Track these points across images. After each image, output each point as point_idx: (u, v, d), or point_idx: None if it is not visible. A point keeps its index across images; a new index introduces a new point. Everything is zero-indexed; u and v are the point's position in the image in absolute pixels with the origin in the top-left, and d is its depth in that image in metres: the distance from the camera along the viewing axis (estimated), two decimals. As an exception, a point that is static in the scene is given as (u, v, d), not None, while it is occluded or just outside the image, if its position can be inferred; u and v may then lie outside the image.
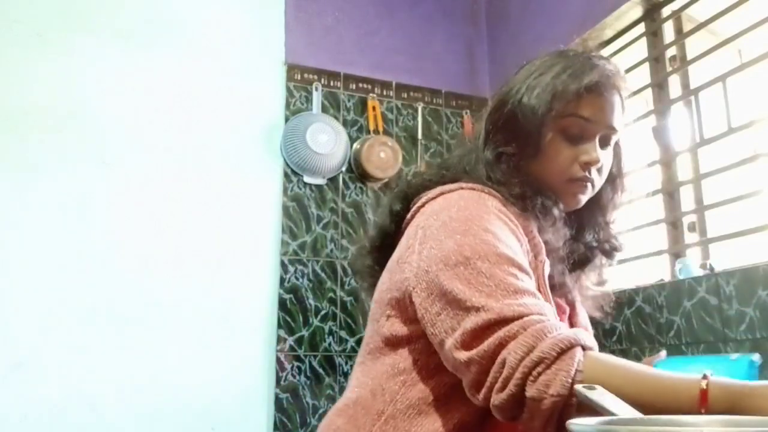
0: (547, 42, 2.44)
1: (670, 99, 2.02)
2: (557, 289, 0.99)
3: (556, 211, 0.96)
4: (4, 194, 2.04)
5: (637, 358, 1.82)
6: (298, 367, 2.25)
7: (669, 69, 2.05)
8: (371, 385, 0.92)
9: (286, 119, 2.44)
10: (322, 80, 2.52)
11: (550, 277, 0.95)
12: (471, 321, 0.77)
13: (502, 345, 0.74)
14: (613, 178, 1.10)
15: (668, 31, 2.08)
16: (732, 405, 0.68)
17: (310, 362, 2.27)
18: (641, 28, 2.15)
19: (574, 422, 0.54)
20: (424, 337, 0.87)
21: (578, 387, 0.70)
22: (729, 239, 1.74)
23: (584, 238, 1.08)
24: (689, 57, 1.99)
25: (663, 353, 0.90)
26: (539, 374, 0.71)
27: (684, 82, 2.00)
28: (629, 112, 1.06)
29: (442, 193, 0.94)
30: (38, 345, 1.98)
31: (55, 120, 2.14)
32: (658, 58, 2.09)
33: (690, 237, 1.90)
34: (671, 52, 2.06)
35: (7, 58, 2.12)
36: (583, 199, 1.01)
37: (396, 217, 1.00)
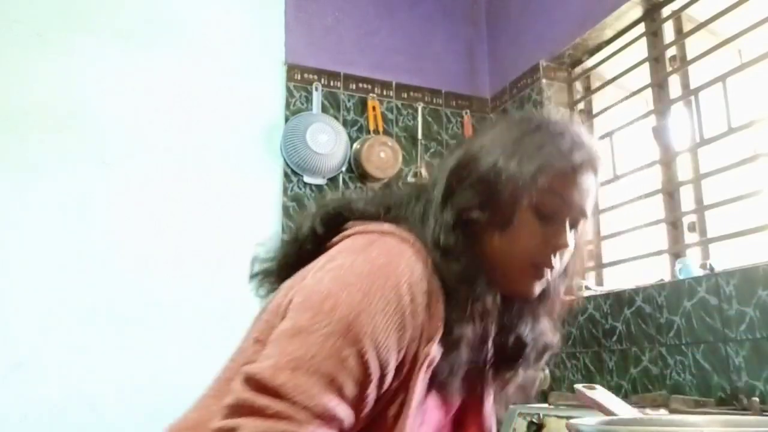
0: (547, 42, 2.45)
1: (670, 99, 2.02)
2: (452, 383, 0.85)
3: (490, 303, 0.85)
4: (4, 194, 2.04)
5: (637, 358, 1.82)
6: (298, 367, 2.25)
7: (669, 69, 2.05)
8: None
9: (286, 119, 2.44)
10: (322, 80, 2.52)
11: (447, 368, 0.82)
12: (259, 367, 0.74)
13: (250, 409, 0.71)
14: (563, 273, 0.95)
15: (668, 31, 2.08)
16: None
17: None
18: (641, 28, 2.15)
19: (575, 422, 0.54)
20: None
21: (578, 387, 0.70)
22: (729, 239, 1.75)
23: (517, 331, 0.94)
24: (689, 57, 1.99)
25: None
26: None
27: (684, 82, 2.00)
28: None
29: (368, 232, 0.85)
30: (38, 345, 1.98)
31: (55, 120, 2.14)
32: (658, 58, 2.09)
33: (690, 237, 1.90)
34: (671, 52, 2.06)
35: (7, 58, 2.12)
36: (538, 289, 0.89)
37: (318, 238, 0.91)
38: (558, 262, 0.88)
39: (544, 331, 0.95)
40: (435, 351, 0.79)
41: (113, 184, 2.17)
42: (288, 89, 2.47)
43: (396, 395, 0.79)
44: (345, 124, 2.50)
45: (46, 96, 2.14)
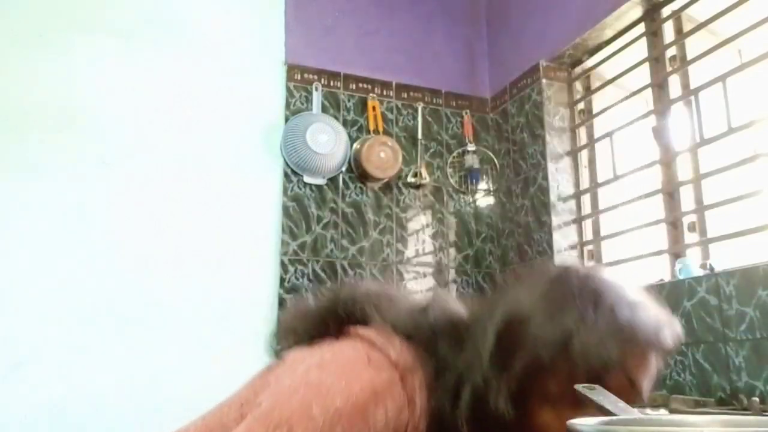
0: (547, 42, 2.45)
1: (670, 99, 2.02)
2: None
3: None
4: (4, 194, 2.04)
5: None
6: (298, 367, 2.25)
7: (669, 69, 2.05)
8: None
9: (286, 119, 2.44)
10: (322, 80, 2.52)
11: None
12: None
13: None
14: None
15: (668, 31, 2.08)
16: None
17: None
18: (641, 28, 2.15)
19: (575, 422, 0.54)
20: None
21: (578, 387, 0.69)
22: (729, 239, 1.74)
23: None
24: (689, 57, 1.99)
25: None
26: None
27: (684, 82, 2.00)
28: None
29: (370, 346, 0.79)
30: (38, 345, 1.98)
31: (55, 120, 2.14)
32: (658, 58, 2.09)
33: (690, 237, 1.90)
34: (671, 52, 2.06)
35: (7, 58, 2.12)
36: None
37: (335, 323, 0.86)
38: None
39: None
40: None
41: (113, 184, 2.17)
42: (288, 89, 2.47)
43: None
44: (345, 124, 2.50)
45: (46, 96, 2.14)
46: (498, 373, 0.75)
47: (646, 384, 0.77)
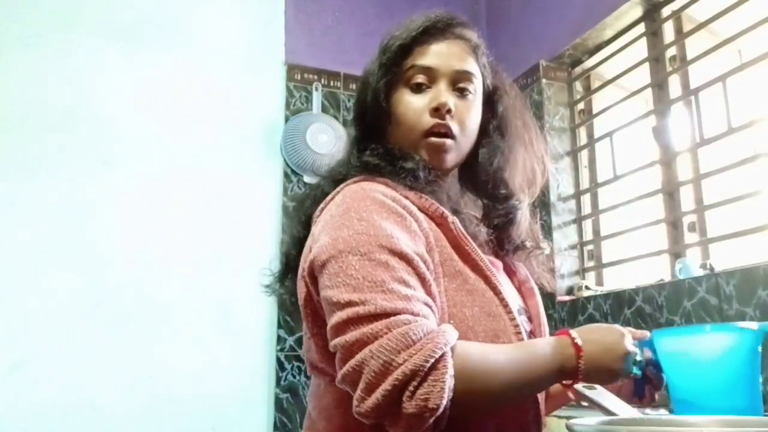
0: (547, 42, 2.45)
1: (670, 99, 2.02)
2: (482, 246, 0.93)
3: (421, 173, 0.90)
4: (4, 194, 2.04)
5: (637, 358, 1.82)
6: (298, 367, 2.25)
7: (669, 69, 2.05)
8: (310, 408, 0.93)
9: (286, 119, 2.44)
10: (322, 80, 2.52)
11: (471, 233, 0.90)
12: (336, 317, 0.75)
13: (362, 342, 0.72)
14: (489, 132, 1.01)
15: (668, 31, 2.08)
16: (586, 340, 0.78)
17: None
18: (641, 28, 2.15)
19: (575, 422, 0.54)
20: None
21: (578, 386, 0.69)
22: (729, 239, 1.74)
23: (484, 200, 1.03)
24: (689, 57, 1.99)
25: (647, 333, 0.87)
26: (415, 388, 0.69)
27: (684, 82, 2.00)
28: (486, 60, 1.00)
29: (327, 202, 0.91)
30: (38, 345, 1.99)
31: (55, 120, 2.14)
32: (658, 58, 2.09)
33: (690, 237, 1.90)
34: (671, 52, 2.06)
35: (7, 58, 2.12)
36: (447, 157, 0.94)
37: (302, 240, 0.94)
38: (453, 122, 0.92)
39: (500, 202, 1.00)
40: (450, 216, 0.87)
41: (113, 184, 2.17)
42: (288, 89, 2.47)
43: (456, 268, 0.85)
44: (345, 124, 2.50)
45: (46, 96, 2.14)
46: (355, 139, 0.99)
47: (437, 62, 0.95)
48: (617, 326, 0.82)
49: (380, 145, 0.94)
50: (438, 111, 0.91)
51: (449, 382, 0.69)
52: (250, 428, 2.18)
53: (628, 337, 0.81)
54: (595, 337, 0.79)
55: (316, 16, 2.59)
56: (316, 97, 2.48)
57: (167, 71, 2.33)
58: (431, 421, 0.69)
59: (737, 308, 1.56)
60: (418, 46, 0.96)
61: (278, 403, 2.20)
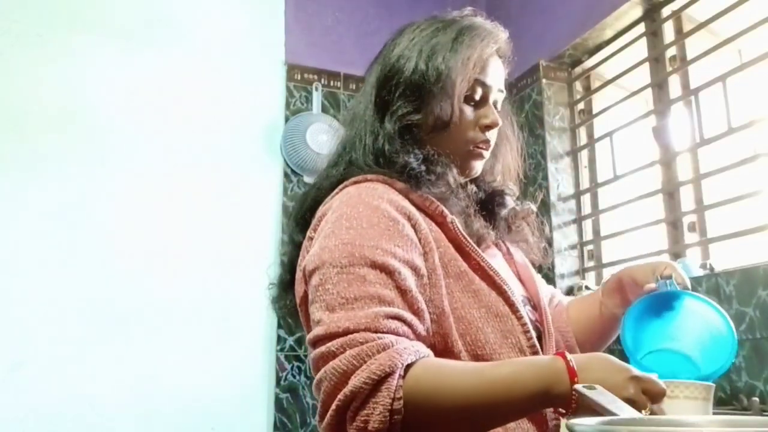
0: (547, 42, 2.45)
1: (670, 99, 2.02)
2: (484, 241, 0.96)
3: (451, 179, 0.92)
4: (4, 194, 2.04)
5: (637, 358, 1.82)
6: (298, 367, 2.25)
7: (669, 69, 2.05)
8: None
9: (286, 119, 2.44)
10: (322, 80, 2.52)
11: (473, 233, 0.93)
12: (311, 334, 0.78)
13: (323, 360, 0.74)
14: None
15: (668, 31, 2.08)
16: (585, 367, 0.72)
17: (310, 362, 2.27)
18: (641, 28, 2.15)
19: (575, 422, 0.53)
20: None
21: (578, 387, 0.69)
22: (729, 239, 1.74)
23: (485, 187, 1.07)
24: (689, 57, 1.99)
25: (652, 285, 0.91)
26: (356, 411, 0.69)
27: (684, 82, 2.00)
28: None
29: (326, 203, 0.91)
30: (38, 345, 1.99)
31: (55, 120, 2.14)
32: (658, 58, 2.09)
33: (690, 237, 1.90)
34: (671, 52, 2.06)
35: (7, 57, 2.12)
36: (480, 166, 1.00)
37: (300, 246, 0.94)
38: (492, 137, 0.99)
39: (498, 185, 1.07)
40: (449, 215, 0.89)
41: (113, 184, 2.17)
42: (288, 89, 2.47)
43: (459, 270, 0.86)
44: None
45: (46, 96, 2.14)
46: (381, 122, 0.94)
47: (497, 82, 0.98)
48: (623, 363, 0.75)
49: (421, 141, 0.93)
50: (489, 128, 0.96)
51: (394, 405, 0.69)
52: (250, 428, 2.18)
53: (633, 370, 0.73)
54: (594, 363, 0.73)
55: (315, 16, 2.59)
56: (316, 97, 2.48)
57: (167, 71, 2.33)
58: None
59: (737, 308, 1.56)
60: (489, 63, 0.98)
61: (278, 403, 2.20)
